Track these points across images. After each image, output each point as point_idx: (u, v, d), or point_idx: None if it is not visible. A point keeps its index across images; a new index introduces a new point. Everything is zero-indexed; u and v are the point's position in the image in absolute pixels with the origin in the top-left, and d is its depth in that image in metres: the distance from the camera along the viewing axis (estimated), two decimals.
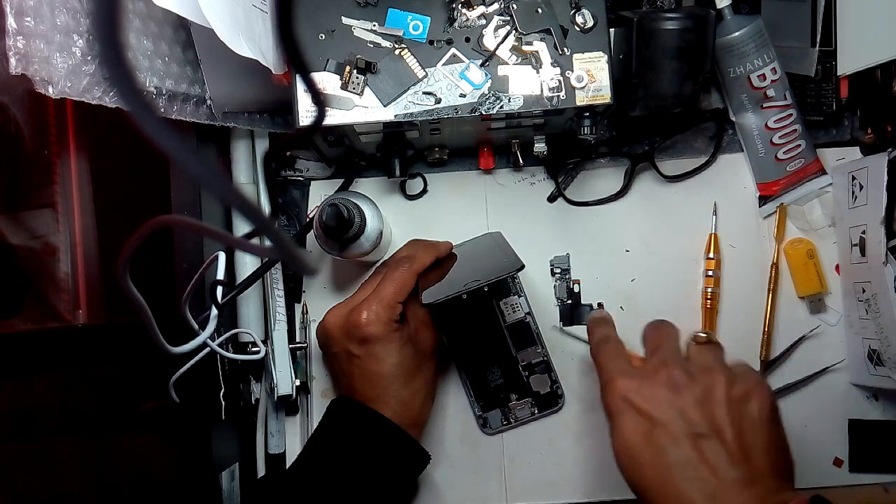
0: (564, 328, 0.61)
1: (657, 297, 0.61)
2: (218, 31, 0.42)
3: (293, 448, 0.60)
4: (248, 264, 0.58)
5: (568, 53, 0.50)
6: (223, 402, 0.56)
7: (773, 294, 0.60)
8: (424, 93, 0.50)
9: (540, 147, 0.56)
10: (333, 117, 0.49)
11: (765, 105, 0.58)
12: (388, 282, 0.51)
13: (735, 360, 0.45)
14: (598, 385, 0.46)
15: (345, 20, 0.49)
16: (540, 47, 0.50)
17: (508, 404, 0.60)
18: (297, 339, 0.61)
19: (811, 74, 0.58)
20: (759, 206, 0.61)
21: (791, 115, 0.58)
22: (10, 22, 0.40)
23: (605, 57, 0.50)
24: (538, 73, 0.50)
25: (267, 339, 0.59)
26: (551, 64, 0.50)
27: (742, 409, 0.41)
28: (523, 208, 0.62)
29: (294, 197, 0.62)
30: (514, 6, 0.49)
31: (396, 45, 0.49)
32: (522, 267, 0.49)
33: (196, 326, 0.48)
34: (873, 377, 0.57)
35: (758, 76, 0.56)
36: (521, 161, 0.60)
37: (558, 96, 0.50)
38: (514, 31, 0.50)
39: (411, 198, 0.63)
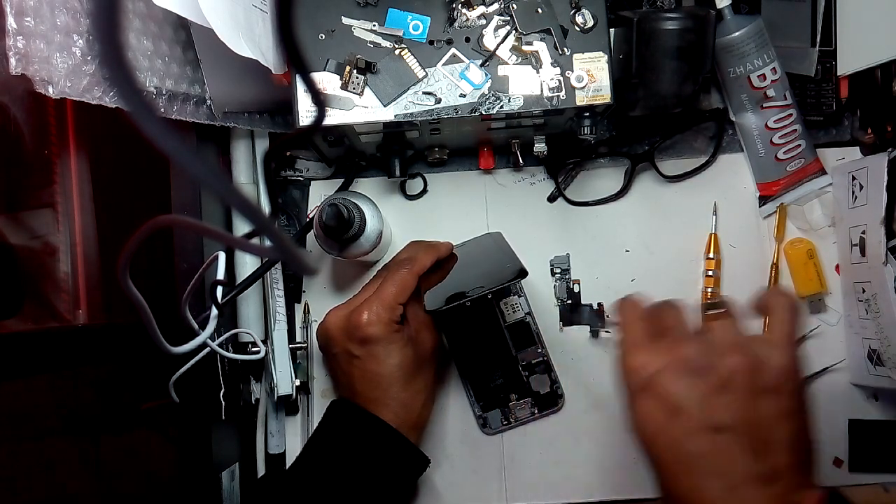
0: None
1: (657, 297, 0.61)
2: (218, 31, 0.42)
3: (293, 448, 0.60)
4: (248, 264, 0.58)
5: (568, 53, 0.50)
6: (223, 402, 0.56)
7: None
8: (424, 93, 0.50)
9: (540, 147, 0.56)
10: (333, 117, 0.49)
11: (765, 105, 0.58)
12: (389, 283, 0.51)
13: (756, 335, 0.42)
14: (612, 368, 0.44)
15: (345, 20, 0.49)
16: (540, 47, 0.50)
17: (508, 404, 0.60)
18: (298, 339, 0.61)
19: (811, 74, 0.58)
20: (759, 206, 0.61)
21: (791, 115, 0.58)
22: (10, 22, 0.40)
23: (605, 57, 0.50)
24: (538, 73, 0.50)
25: (267, 339, 0.59)
26: (551, 64, 0.50)
27: (765, 401, 0.38)
28: (523, 208, 0.62)
29: (294, 197, 0.62)
30: (514, 6, 0.49)
31: (396, 45, 0.49)
32: (526, 274, 0.49)
33: (196, 326, 0.48)
34: (873, 377, 0.57)
35: (758, 76, 0.56)
36: (521, 161, 0.60)
37: (558, 96, 0.50)
38: (514, 31, 0.50)
39: (411, 198, 0.63)
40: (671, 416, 0.39)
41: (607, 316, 0.61)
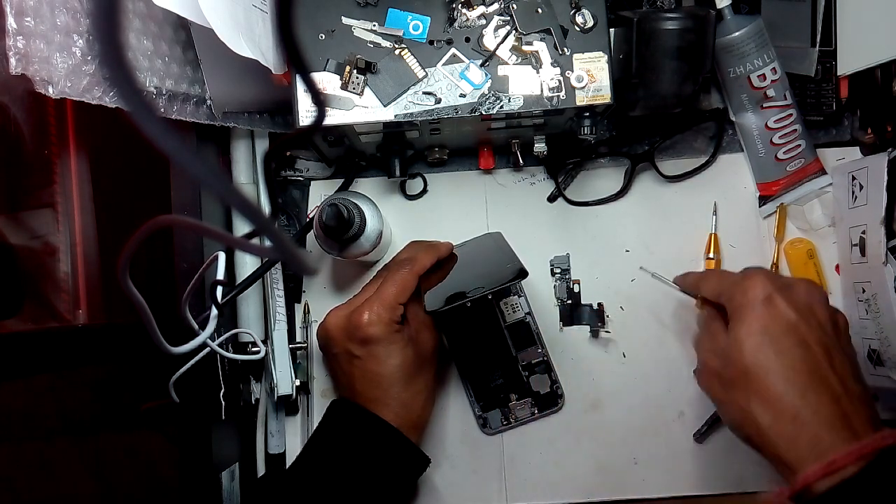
0: None
1: (657, 297, 0.61)
2: (218, 31, 0.42)
3: (293, 448, 0.60)
4: (248, 264, 0.58)
5: (568, 53, 0.50)
6: (223, 402, 0.56)
7: None
8: (424, 93, 0.50)
9: (540, 147, 0.56)
10: (333, 117, 0.49)
11: (765, 105, 0.58)
12: (389, 283, 0.51)
13: None
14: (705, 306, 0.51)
15: (345, 20, 0.49)
16: (540, 47, 0.50)
17: (508, 404, 0.60)
18: (298, 339, 0.61)
19: (811, 74, 0.58)
20: (759, 206, 0.61)
21: (791, 115, 0.58)
22: (10, 22, 0.40)
23: (605, 57, 0.50)
24: (538, 73, 0.50)
25: (267, 339, 0.59)
26: (551, 64, 0.50)
27: (852, 346, 0.44)
28: (523, 208, 0.62)
29: (294, 197, 0.62)
30: (514, 6, 0.49)
31: (396, 45, 0.49)
32: (526, 274, 0.49)
33: (196, 326, 0.48)
34: (873, 377, 0.57)
35: (758, 76, 0.56)
36: (521, 161, 0.60)
37: (558, 96, 0.50)
38: (514, 31, 0.50)
39: (411, 198, 0.63)
40: (796, 326, 0.42)
41: (607, 316, 0.61)
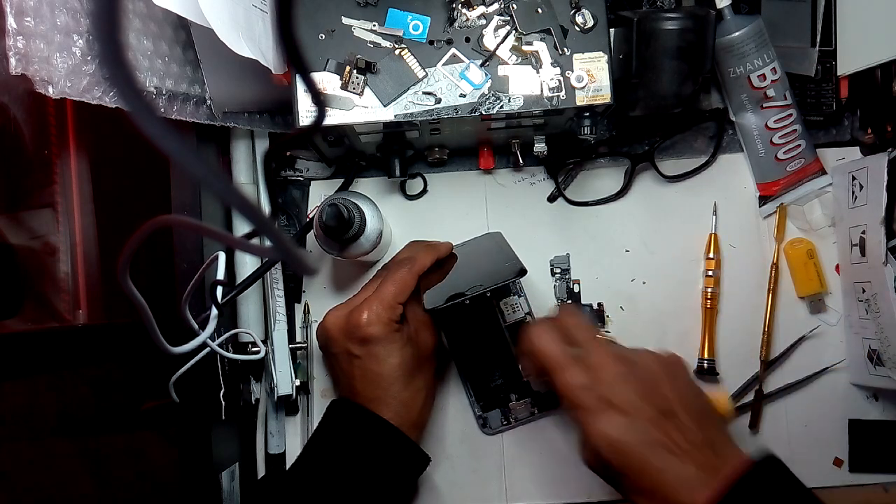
0: None
1: (657, 297, 0.61)
2: (218, 31, 0.43)
3: (293, 448, 0.60)
4: (248, 264, 0.58)
5: (568, 53, 0.50)
6: (223, 402, 0.56)
7: (773, 294, 0.60)
8: (424, 93, 0.50)
9: (540, 147, 0.56)
10: (333, 117, 0.49)
11: (765, 105, 0.58)
12: (388, 283, 0.51)
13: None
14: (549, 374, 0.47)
15: (345, 20, 0.49)
16: (540, 47, 0.50)
17: (508, 404, 0.60)
18: (298, 339, 0.61)
19: (811, 74, 0.58)
20: (759, 206, 0.61)
21: (791, 115, 0.58)
22: (10, 22, 0.40)
23: (605, 57, 0.50)
24: (538, 73, 0.50)
25: (267, 339, 0.59)
26: (551, 64, 0.50)
27: (680, 382, 0.46)
28: (523, 208, 0.62)
29: (294, 197, 0.62)
30: (514, 6, 0.49)
31: (396, 45, 0.49)
32: (525, 272, 0.49)
33: (196, 326, 0.48)
34: (873, 377, 0.57)
35: (758, 76, 0.56)
36: (521, 161, 0.60)
37: (558, 96, 0.50)
38: (514, 31, 0.50)
39: (411, 198, 0.63)
40: (631, 419, 0.44)
41: (607, 316, 0.61)
